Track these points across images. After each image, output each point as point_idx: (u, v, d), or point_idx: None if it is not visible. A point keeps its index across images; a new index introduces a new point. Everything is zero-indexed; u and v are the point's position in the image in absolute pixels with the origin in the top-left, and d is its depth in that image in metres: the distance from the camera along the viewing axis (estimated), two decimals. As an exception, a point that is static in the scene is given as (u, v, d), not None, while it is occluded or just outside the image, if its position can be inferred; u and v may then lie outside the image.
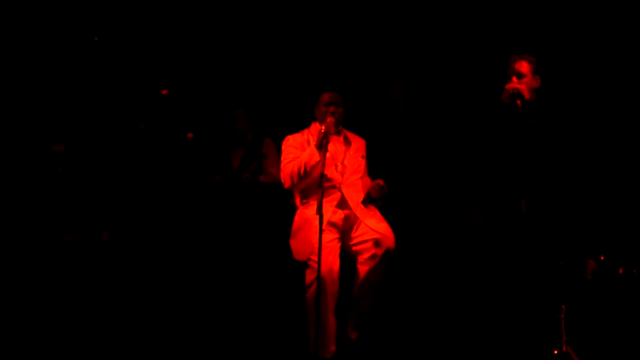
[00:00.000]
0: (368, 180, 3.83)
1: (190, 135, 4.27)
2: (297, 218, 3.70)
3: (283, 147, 3.76)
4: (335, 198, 3.67)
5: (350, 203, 3.64)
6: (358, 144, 3.86)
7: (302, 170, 3.55)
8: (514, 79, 3.38)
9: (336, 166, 3.71)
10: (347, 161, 3.76)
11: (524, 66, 3.40)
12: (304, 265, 3.52)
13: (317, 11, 4.72)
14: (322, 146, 3.43)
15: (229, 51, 4.88)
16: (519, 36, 4.17)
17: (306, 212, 3.64)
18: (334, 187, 3.67)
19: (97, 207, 4.10)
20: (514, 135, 3.30)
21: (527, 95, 3.31)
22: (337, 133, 3.80)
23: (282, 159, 3.74)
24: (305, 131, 3.84)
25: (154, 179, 4.19)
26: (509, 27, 4.27)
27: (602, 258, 3.34)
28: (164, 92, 3.98)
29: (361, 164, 3.81)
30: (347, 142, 3.83)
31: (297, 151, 3.71)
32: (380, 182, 3.63)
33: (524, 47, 3.60)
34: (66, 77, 4.28)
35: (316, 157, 3.49)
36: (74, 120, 4.20)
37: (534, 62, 3.44)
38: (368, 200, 3.73)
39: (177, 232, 4.13)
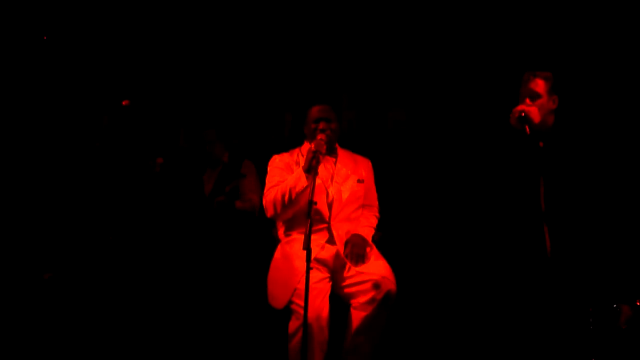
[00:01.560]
0: (369, 215, 3.41)
1: (160, 160, 4.03)
2: (276, 255, 3.28)
3: (269, 169, 3.36)
4: (324, 236, 3.23)
5: (339, 244, 3.19)
6: (358, 165, 3.41)
7: (286, 196, 3.12)
8: (527, 100, 3.03)
9: (327, 195, 3.25)
10: (341, 188, 3.30)
11: (539, 85, 3.06)
12: (286, 310, 3.10)
13: (306, 16, 4.44)
14: (311, 169, 3.00)
15: (201, 59, 4.44)
16: (533, 51, 3.91)
17: (287, 249, 3.22)
18: (323, 221, 3.23)
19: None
20: (525, 161, 2.99)
21: (536, 118, 2.97)
22: (331, 152, 3.34)
23: (266, 182, 3.33)
24: (296, 151, 3.42)
25: (114, 205, 3.95)
26: (522, 41, 4.01)
27: (639, 303, 3.00)
28: (125, 102, 3.51)
29: (357, 191, 3.34)
30: (344, 163, 3.38)
31: (283, 174, 3.28)
32: (356, 247, 3.17)
33: (538, 63, 3.30)
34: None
35: (303, 181, 3.07)
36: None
37: (550, 80, 3.09)
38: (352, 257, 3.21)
39: (140, 268, 3.85)
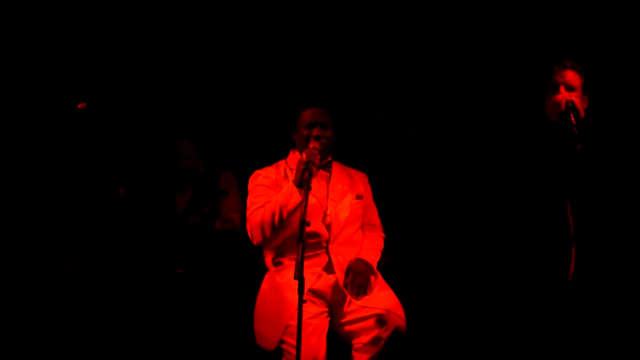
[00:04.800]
0: (373, 236, 3.05)
1: (122, 190, 3.68)
2: (264, 286, 2.91)
3: (250, 187, 2.98)
4: (321, 261, 2.87)
5: (339, 272, 2.82)
6: (354, 180, 3.07)
7: (276, 217, 2.73)
8: (562, 89, 2.66)
9: (324, 216, 2.89)
10: (338, 207, 2.94)
11: (573, 77, 2.71)
12: (276, 352, 2.75)
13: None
14: (303, 182, 2.65)
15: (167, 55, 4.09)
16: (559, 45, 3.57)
17: (277, 279, 2.85)
18: (320, 245, 2.87)
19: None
20: (559, 164, 2.65)
21: (582, 110, 2.61)
22: (325, 166, 2.99)
23: (248, 203, 2.95)
24: (281, 163, 3.05)
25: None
26: (536, 41, 3.69)
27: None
28: (81, 105, 3.20)
29: (357, 209, 3.00)
30: (339, 178, 3.03)
31: (269, 192, 2.90)
32: (358, 275, 2.81)
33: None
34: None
35: (297, 197, 2.69)
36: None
37: (583, 76, 2.76)
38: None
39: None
